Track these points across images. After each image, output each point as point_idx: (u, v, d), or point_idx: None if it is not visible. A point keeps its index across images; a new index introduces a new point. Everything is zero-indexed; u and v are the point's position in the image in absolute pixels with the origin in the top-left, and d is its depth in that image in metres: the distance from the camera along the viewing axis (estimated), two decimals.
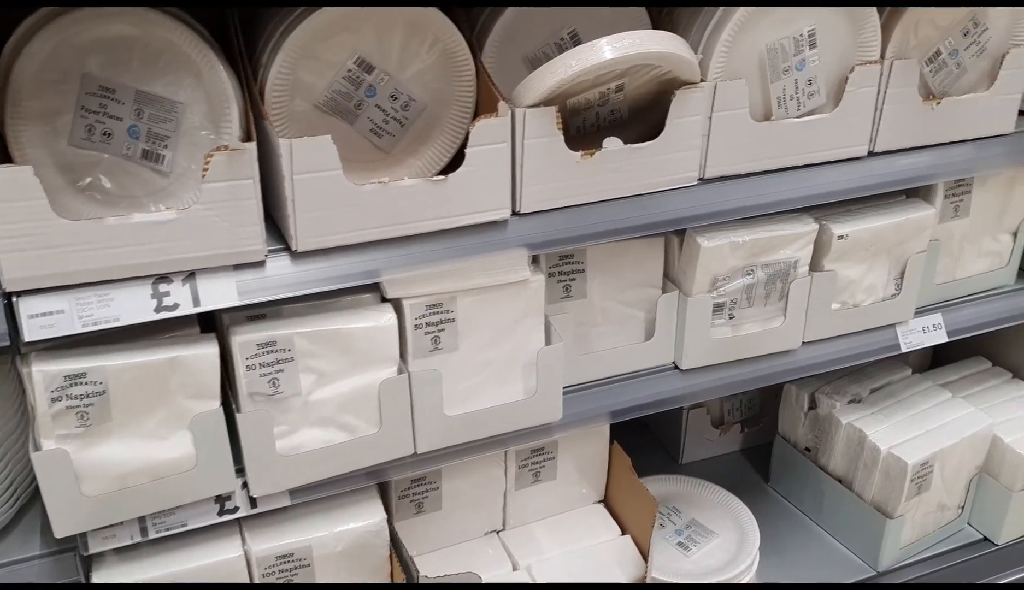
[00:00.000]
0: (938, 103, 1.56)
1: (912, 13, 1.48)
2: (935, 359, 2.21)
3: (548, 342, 1.47)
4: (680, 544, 1.85)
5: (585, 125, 1.43)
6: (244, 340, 1.26)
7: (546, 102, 1.29)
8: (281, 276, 1.23)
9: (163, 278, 1.18)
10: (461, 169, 1.28)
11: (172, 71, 1.18)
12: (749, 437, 2.21)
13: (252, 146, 1.16)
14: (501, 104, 1.27)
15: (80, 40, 1.12)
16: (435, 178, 1.27)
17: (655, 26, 1.47)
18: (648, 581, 1.62)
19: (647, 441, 2.22)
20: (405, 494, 1.59)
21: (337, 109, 1.28)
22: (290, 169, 1.18)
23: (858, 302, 1.68)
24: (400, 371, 1.35)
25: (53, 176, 1.15)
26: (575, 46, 1.37)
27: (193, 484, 1.28)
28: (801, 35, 1.43)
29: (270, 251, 1.24)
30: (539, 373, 1.44)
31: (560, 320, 1.48)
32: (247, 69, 1.25)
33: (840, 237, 1.59)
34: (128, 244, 1.14)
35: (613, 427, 1.64)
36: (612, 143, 1.37)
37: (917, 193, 1.69)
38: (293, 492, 1.36)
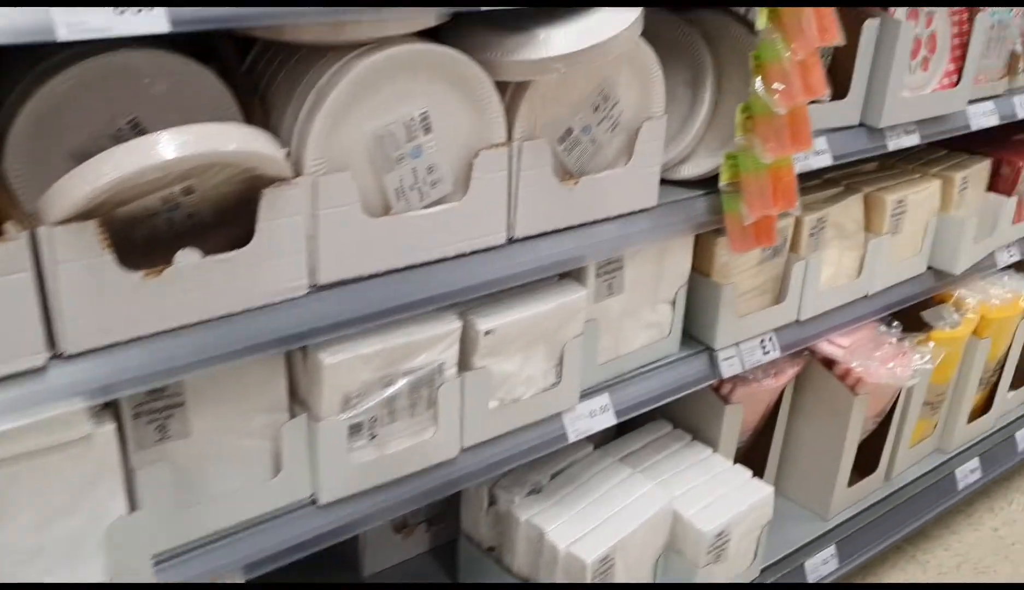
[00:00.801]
0: (576, 183, 1.45)
1: (537, 91, 1.36)
2: (620, 424, 2.14)
3: (136, 505, 1.17)
4: None
5: (157, 233, 1.17)
6: None
7: (85, 214, 1.01)
8: None
9: None
10: None
11: None
12: (437, 535, 2.02)
13: None
14: (9, 225, 0.97)
15: None
16: None
17: (246, 111, 1.23)
18: None
19: (324, 555, 1.96)
20: None
21: None
22: None
23: (518, 396, 1.53)
24: None
25: None
26: (138, 137, 1.12)
27: None
28: (412, 119, 1.25)
29: None
30: (111, 553, 1.14)
31: (153, 472, 1.20)
32: None
33: (487, 332, 1.43)
34: None
35: None
36: (187, 256, 1.12)
37: (569, 274, 1.58)
38: None
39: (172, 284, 1.10)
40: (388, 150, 1.25)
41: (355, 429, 1.35)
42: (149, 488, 1.20)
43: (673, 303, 1.77)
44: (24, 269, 0.99)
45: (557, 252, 1.47)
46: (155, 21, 0.96)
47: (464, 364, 1.45)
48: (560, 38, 1.29)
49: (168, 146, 1.00)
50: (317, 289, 1.25)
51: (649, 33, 1.41)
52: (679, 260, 1.73)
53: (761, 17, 1.48)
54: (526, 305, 1.49)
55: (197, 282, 1.13)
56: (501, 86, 1.33)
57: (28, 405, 1.03)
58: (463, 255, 1.37)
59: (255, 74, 1.31)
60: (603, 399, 1.68)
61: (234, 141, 1.04)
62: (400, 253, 1.30)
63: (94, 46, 1.09)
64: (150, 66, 1.14)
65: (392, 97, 1.22)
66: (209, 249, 1.15)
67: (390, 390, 1.36)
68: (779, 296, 1.92)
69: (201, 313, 1.15)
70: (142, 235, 1.15)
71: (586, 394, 1.65)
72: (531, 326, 1.49)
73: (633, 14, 1.34)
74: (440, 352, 1.39)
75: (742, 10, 1.74)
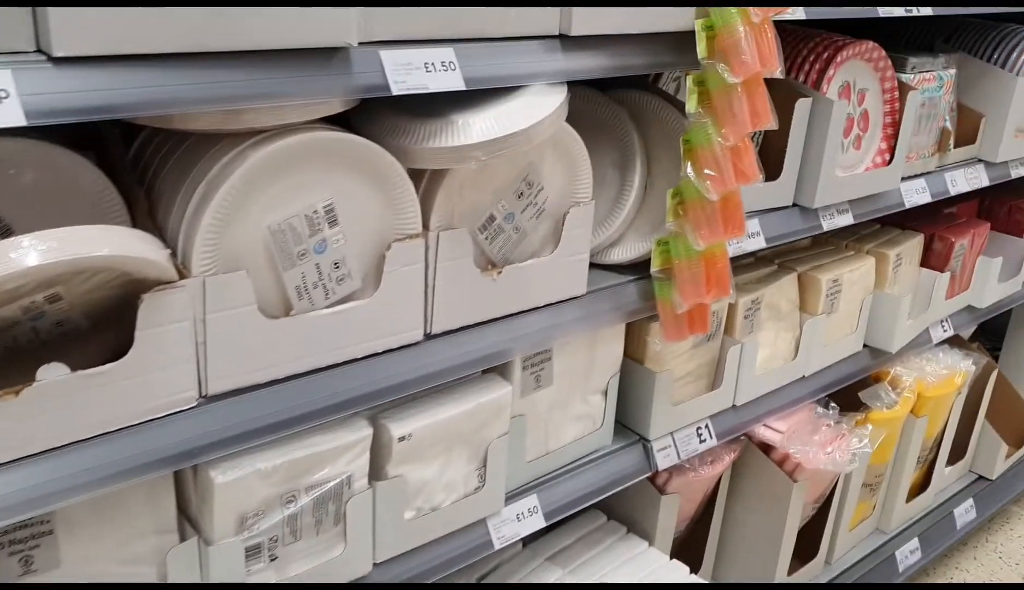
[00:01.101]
0: (499, 273, 1.35)
1: (455, 178, 1.26)
2: None
3: None
4: None
5: (18, 344, 1.03)
6: None
7: None
8: None
9: None
10: None
11: None
12: None
13: None
14: None
15: None
16: None
17: (131, 205, 1.11)
18: None
19: None
20: None
21: None
22: None
23: (437, 504, 1.41)
24: None
25: None
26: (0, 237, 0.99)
27: None
28: (315, 212, 1.14)
29: None
30: None
31: None
32: None
33: (402, 438, 1.31)
34: None
35: None
36: (51, 371, 0.98)
37: (494, 368, 1.47)
38: None
39: (34, 403, 0.97)
40: (288, 245, 1.13)
41: (252, 551, 1.21)
42: None
43: (605, 393, 1.67)
44: None
45: (480, 347, 1.37)
46: (9, 114, 0.84)
47: (376, 473, 1.33)
48: (479, 124, 1.21)
49: (26, 254, 0.87)
50: (208, 400, 1.12)
51: (575, 114, 1.34)
52: (611, 348, 1.64)
53: (691, 100, 1.42)
54: (445, 405, 1.37)
55: (65, 400, 0.99)
56: (416, 173, 1.24)
57: None
58: (375, 355, 1.25)
59: (142, 161, 1.19)
60: (531, 500, 1.56)
61: (105, 245, 0.92)
62: (302, 357, 1.18)
63: None
64: (13, 156, 1.01)
65: (292, 188, 1.11)
66: (84, 359, 1.02)
67: (291, 508, 1.23)
68: (714, 381, 1.85)
69: (71, 434, 1.01)
70: (3, 345, 1.02)
71: (512, 496, 1.54)
72: (451, 428, 1.37)
73: (558, 98, 1.26)
74: (348, 463, 1.27)
75: (671, 89, 1.69)
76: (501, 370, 1.47)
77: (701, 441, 1.82)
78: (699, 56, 1.39)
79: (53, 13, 0.86)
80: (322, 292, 1.18)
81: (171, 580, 1.18)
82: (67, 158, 1.05)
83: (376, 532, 1.34)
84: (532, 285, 1.41)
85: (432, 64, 1.14)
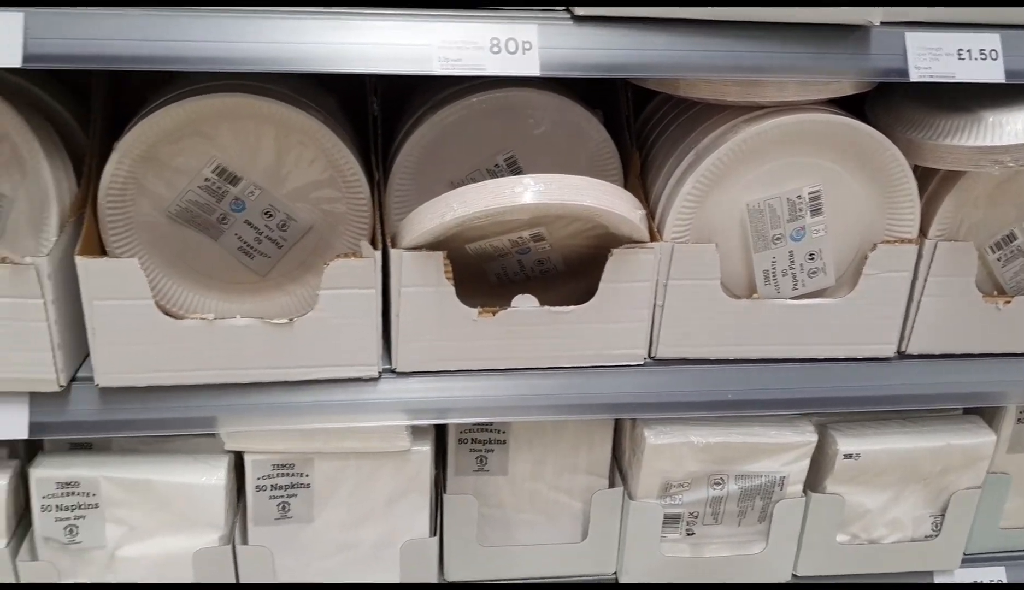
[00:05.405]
0: (1007, 303, 1.16)
1: (971, 183, 1.10)
2: None
3: (435, 528, 1.19)
4: None
5: (507, 273, 1.16)
6: (42, 476, 1.08)
7: (435, 245, 1.04)
8: (85, 411, 1.04)
9: None
10: (311, 314, 1.04)
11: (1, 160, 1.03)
12: None
13: (42, 262, 0.97)
14: (364, 244, 1.03)
15: None
16: (278, 321, 1.04)
17: (625, 164, 1.18)
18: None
19: None
20: None
21: (194, 221, 1.08)
22: (88, 295, 0.99)
23: (876, 538, 1.28)
24: (223, 540, 1.12)
25: None
26: (512, 175, 1.13)
27: None
28: (799, 197, 1.09)
29: (77, 379, 1.05)
30: (404, 572, 1.16)
31: (459, 502, 1.20)
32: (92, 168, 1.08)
33: (848, 456, 1.21)
34: None
35: None
36: (524, 302, 1.09)
37: (980, 410, 1.27)
38: None
39: (504, 327, 1.09)
40: (764, 227, 1.10)
41: (672, 519, 1.23)
42: (454, 516, 1.21)
43: None
44: (371, 286, 1.04)
45: (964, 382, 1.19)
46: (528, 64, 0.94)
47: (813, 484, 1.25)
48: (1015, 124, 1.03)
49: (523, 192, 0.98)
50: (655, 362, 1.15)
51: None
52: None
53: None
54: (908, 435, 1.23)
55: (529, 330, 1.10)
56: (924, 172, 1.11)
57: (357, 411, 1.09)
58: (835, 360, 1.17)
59: (648, 126, 1.25)
60: (996, 572, 1.34)
61: (588, 196, 0.99)
62: (757, 343, 1.14)
63: (490, 81, 1.11)
64: (535, 106, 1.13)
65: (779, 169, 1.07)
66: (556, 299, 1.11)
67: (717, 491, 1.21)
68: None
69: (528, 360, 1.12)
70: (495, 273, 1.16)
71: (973, 559, 1.33)
72: (909, 462, 1.23)
73: None
74: (784, 464, 1.21)
75: None
76: (987, 415, 1.27)
77: None
78: None
79: None
80: (791, 281, 1.13)
81: (593, 523, 1.25)
82: (577, 113, 1.14)
83: (802, 544, 1.26)
84: None
85: (967, 51, 1.00)
